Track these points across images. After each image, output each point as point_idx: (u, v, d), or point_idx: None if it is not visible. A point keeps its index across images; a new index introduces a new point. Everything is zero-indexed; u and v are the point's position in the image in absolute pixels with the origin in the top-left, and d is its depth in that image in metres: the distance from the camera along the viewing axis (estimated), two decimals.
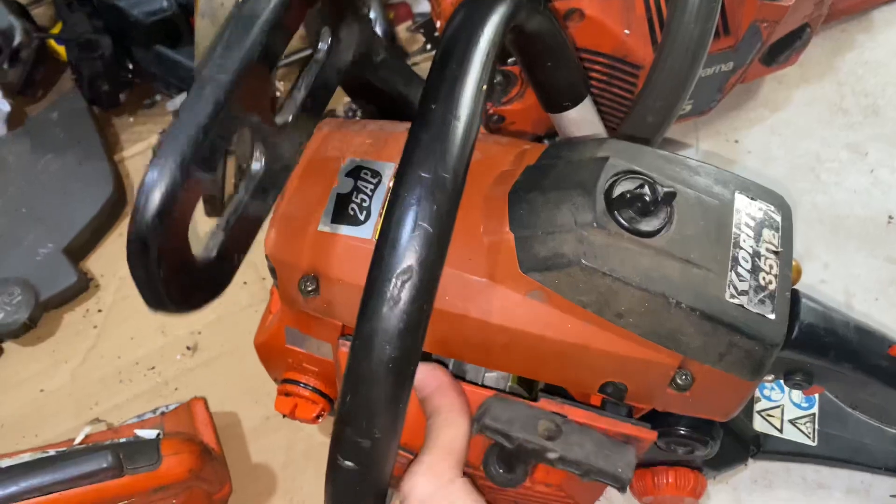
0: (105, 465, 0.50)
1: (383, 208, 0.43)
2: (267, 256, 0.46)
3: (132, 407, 0.68)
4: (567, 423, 0.43)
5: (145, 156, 0.80)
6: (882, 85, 0.83)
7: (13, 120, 0.81)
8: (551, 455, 0.42)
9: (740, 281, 0.40)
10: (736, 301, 0.40)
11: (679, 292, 0.39)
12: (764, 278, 0.41)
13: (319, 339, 0.48)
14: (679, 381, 0.42)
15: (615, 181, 0.41)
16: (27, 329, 0.69)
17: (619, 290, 0.39)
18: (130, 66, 0.81)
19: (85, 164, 0.76)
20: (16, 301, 0.69)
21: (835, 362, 0.48)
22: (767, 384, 0.62)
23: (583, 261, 0.39)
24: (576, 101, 0.52)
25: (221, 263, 0.38)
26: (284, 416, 0.53)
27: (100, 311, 0.73)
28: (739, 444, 0.59)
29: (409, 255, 0.33)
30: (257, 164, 0.40)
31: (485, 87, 0.36)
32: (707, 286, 0.40)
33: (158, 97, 0.85)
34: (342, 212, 0.44)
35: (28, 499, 0.49)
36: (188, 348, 0.71)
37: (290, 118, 0.41)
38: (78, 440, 0.62)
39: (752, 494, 0.65)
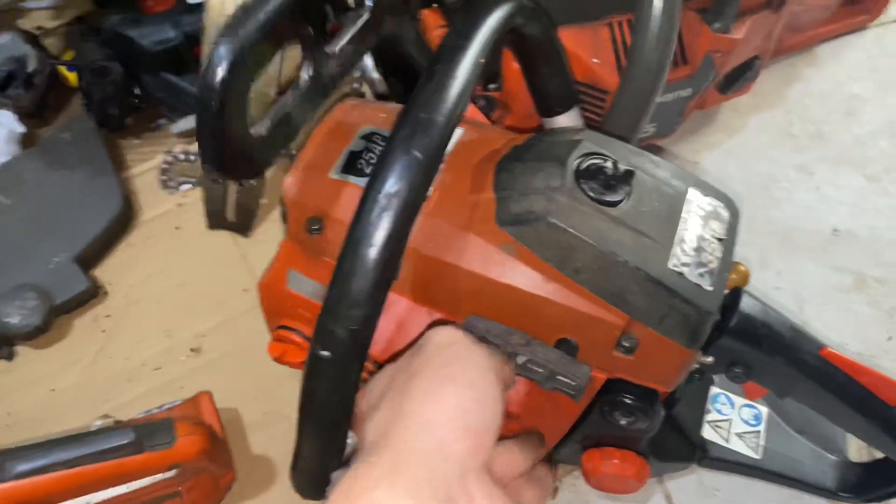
0: (127, 442, 0.55)
1: None
2: (282, 199, 0.53)
3: (140, 404, 0.72)
4: (535, 340, 0.48)
5: (151, 174, 0.86)
6: (826, 113, 0.92)
7: (26, 142, 0.86)
8: (520, 359, 0.47)
9: (683, 255, 0.46)
10: (678, 269, 0.45)
11: (628, 254, 0.45)
12: (705, 258, 0.47)
13: (317, 281, 0.53)
14: (625, 343, 0.47)
15: (585, 158, 0.48)
16: (40, 332, 0.74)
17: (577, 246, 0.45)
18: (138, 92, 0.87)
19: (95, 181, 0.81)
20: (30, 306, 0.73)
21: (768, 354, 0.51)
22: (720, 401, 0.67)
23: (549, 217, 0.45)
24: (566, 108, 0.59)
25: (264, 148, 0.46)
26: (274, 359, 0.57)
27: (108, 316, 0.78)
28: (686, 444, 0.63)
29: (401, 174, 0.39)
30: (305, 76, 0.49)
31: (483, 60, 0.43)
32: (653, 253, 0.45)
33: (163, 121, 0.90)
34: (352, 165, 0.51)
35: (55, 471, 0.54)
36: (192, 350, 0.76)
37: (337, 51, 0.50)
38: None
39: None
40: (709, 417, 0.66)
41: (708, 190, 0.50)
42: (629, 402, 0.51)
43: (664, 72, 0.61)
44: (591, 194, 0.46)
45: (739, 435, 0.65)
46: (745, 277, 0.51)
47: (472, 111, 0.69)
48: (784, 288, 0.81)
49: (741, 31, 0.76)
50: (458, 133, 0.55)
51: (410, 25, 0.59)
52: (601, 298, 0.46)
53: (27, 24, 0.97)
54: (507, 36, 0.48)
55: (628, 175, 0.47)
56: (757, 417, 0.66)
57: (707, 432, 0.65)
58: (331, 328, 0.39)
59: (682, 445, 0.63)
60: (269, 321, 0.59)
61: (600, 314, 0.47)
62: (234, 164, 0.45)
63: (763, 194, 0.87)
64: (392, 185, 0.39)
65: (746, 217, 0.85)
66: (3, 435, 0.71)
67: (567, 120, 0.60)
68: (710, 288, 0.46)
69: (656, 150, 0.89)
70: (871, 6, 0.97)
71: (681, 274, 0.45)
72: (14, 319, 0.73)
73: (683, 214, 0.48)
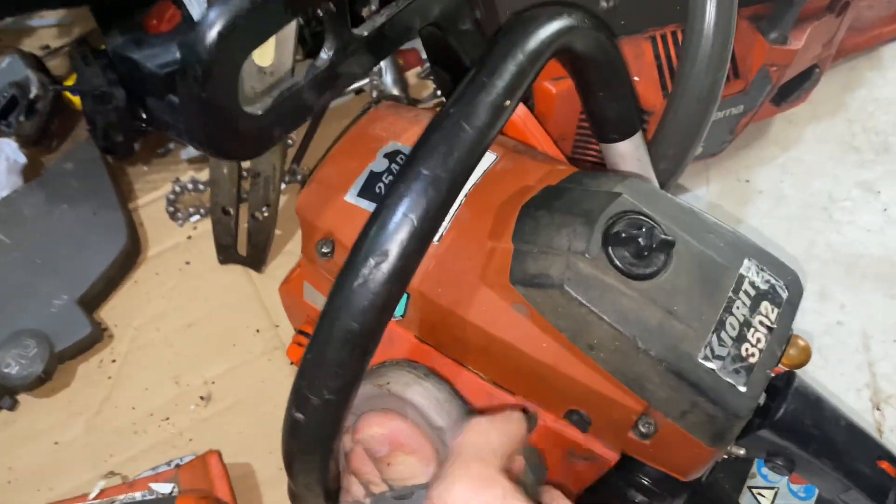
0: None
1: None
2: (297, 211, 0.50)
3: (147, 459, 0.67)
4: None
5: (159, 205, 0.81)
6: (893, 122, 0.83)
7: (29, 171, 0.82)
8: None
9: (720, 346, 0.40)
10: (708, 364, 0.40)
11: (650, 340, 0.40)
12: (746, 350, 0.41)
13: None
14: (642, 428, 0.42)
15: (619, 218, 0.42)
16: (42, 382, 0.69)
17: (593, 322, 0.40)
18: (144, 116, 0.82)
19: (99, 215, 0.77)
20: (31, 354, 0.69)
21: (815, 455, 0.46)
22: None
23: (565, 286, 0.40)
24: (624, 136, 0.52)
25: (261, 127, 0.41)
26: (292, 363, 0.56)
27: (114, 361, 0.73)
28: None
29: (389, 241, 0.34)
30: (324, 56, 0.43)
31: (509, 102, 0.37)
32: (682, 342, 0.40)
33: (172, 145, 0.85)
34: (370, 188, 0.48)
35: None
36: (202, 398, 0.71)
37: (366, 33, 0.45)
38: (93, 495, 0.62)
39: None
40: (752, 482, 0.60)
41: (767, 263, 0.43)
42: (647, 483, 0.46)
43: (717, 95, 0.55)
44: (619, 264, 0.41)
45: None
46: (806, 354, 0.44)
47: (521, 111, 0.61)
48: (847, 323, 0.73)
49: (800, 41, 0.68)
50: (489, 159, 0.50)
51: (467, 11, 0.53)
52: (618, 380, 0.41)
53: (33, 43, 0.93)
54: (558, 56, 0.42)
55: (666, 245, 0.41)
56: (809, 490, 0.59)
57: (746, 500, 0.59)
58: (305, 394, 0.36)
59: None
60: (291, 322, 0.60)
61: (616, 396, 0.42)
62: (220, 142, 0.40)
63: (822, 216, 0.79)
64: (378, 249, 0.34)
65: (804, 242, 0.78)
66: (4, 492, 0.67)
67: (625, 149, 0.53)
68: (743, 389, 0.40)
69: (703, 167, 0.81)
70: None
71: (711, 370, 0.40)
72: (14, 369, 0.68)
73: (730, 294, 0.41)
